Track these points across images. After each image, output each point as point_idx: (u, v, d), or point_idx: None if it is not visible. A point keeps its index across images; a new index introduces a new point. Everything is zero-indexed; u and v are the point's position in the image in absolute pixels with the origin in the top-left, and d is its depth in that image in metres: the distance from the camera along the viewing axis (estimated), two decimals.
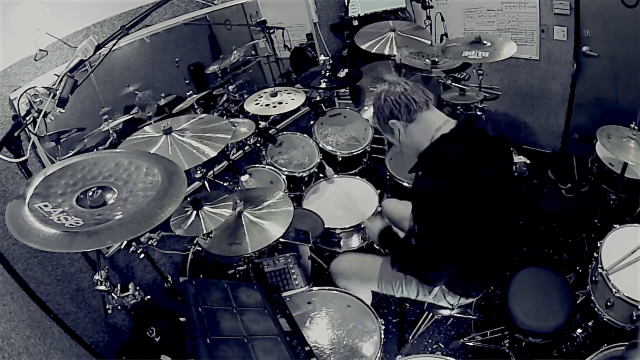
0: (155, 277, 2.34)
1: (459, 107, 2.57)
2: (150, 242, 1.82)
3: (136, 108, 2.31)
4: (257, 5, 2.94)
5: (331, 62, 2.52)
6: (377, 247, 1.78)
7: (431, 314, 2.00)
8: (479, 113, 2.54)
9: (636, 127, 2.00)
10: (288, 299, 1.67)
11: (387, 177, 2.53)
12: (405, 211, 2.01)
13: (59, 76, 1.40)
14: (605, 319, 1.71)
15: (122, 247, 2.12)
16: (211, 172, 2.15)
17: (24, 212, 1.05)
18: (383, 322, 1.62)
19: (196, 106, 2.39)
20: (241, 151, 2.68)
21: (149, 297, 1.63)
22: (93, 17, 2.03)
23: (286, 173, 2.50)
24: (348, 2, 3.13)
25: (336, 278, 1.87)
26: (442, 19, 2.92)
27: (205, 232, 1.67)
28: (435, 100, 1.51)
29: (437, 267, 1.49)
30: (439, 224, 1.41)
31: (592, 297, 1.77)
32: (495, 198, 1.44)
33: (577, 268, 2.30)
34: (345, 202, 2.35)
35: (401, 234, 2.19)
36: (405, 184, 2.38)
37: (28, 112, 1.44)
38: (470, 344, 2.06)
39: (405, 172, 2.42)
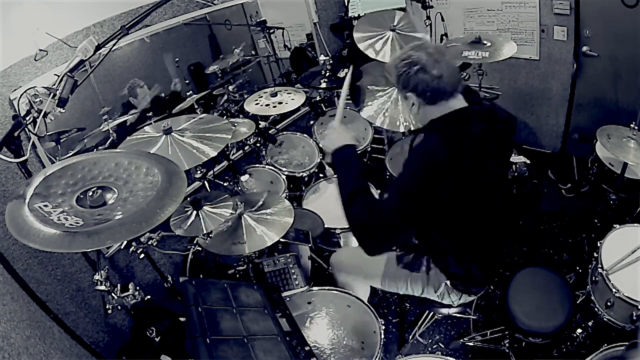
0: (155, 277, 2.34)
1: None
2: (150, 242, 1.82)
3: (130, 98, 2.30)
4: (257, 5, 2.94)
5: (331, 62, 2.52)
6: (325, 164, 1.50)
7: (431, 314, 2.01)
8: None
9: (636, 127, 2.00)
10: (288, 299, 1.66)
11: (387, 177, 2.53)
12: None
13: (59, 76, 1.40)
14: (605, 319, 1.71)
15: (122, 247, 2.12)
16: (211, 172, 2.15)
17: (24, 212, 1.05)
18: (383, 322, 1.61)
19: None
20: (241, 151, 2.68)
21: (149, 297, 1.63)
22: (93, 17, 2.03)
23: (286, 173, 2.50)
24: (348, 2, 3.13)
25: (336, 271, 1.85)
26: (442, 19, 2.92)
27: (205, 232, 1.67)
28: (462, 86, 1.39)
29: (391, 235, 1.31)
30: (426, 192, 1.28)
31: (592, 297, 1.77)
32: (494, 190, 1.43)
33: (577, 268, 2.30)
34: None
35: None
36: None
37: (28, 112, 1.44)
38: (470, 344, 2.06)
39: None
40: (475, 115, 1.35)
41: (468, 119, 1.34)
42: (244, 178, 2.06)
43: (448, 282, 1.62)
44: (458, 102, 1.37)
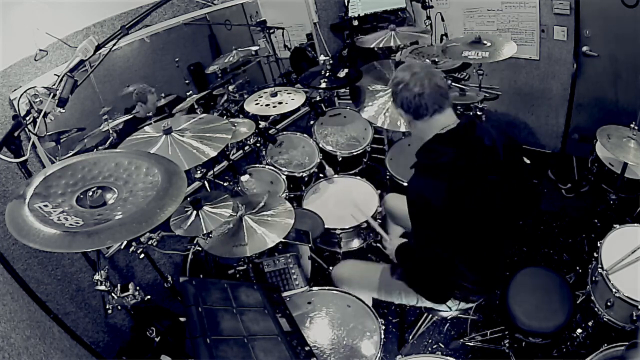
0: (155, 277, 2.34)
1: (459, 107, 2.57)
2: (150, 242, 1.82)
3: (138, 105, 2.30)
4: (257, 5, 2.94)
5: (331, 62, 2.52)
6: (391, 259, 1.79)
7: (431, 314, 2.01)
8: (479, 113, 2.55)
9: (636, 127, 2.00)
10: (288, 299, 1.67)
11: (387, 177, 2.53)
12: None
13: (59, 76, 1.40)
14: (605, 319, 1.71)
15: (122, 247, 2.12)
16: (211, 172, 2.15)
17: (24, 212, 1.05)
18: (383, 322, 1.62)
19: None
20: (241, 151, 2.68)
21: (149, 297, 1.63)
22: (93, 17, 2.03)
23: (286, 173, 2.50)
24: (348, 2, 3.13)
25: (338, 284, 1.87)
26: (442, 19, 2.92)
27: (205, 232, 1.67)
28: (450, 102, 1.44)
29: (435, 280, 1.50)
30: (427, 225, 1.41)
31: (592, 297, 1.77)
32: (487, 210, 1.40)
33: (577, 268, 2.30)
34: (345, 202, 2.35)
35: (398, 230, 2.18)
36: (405, 184, 2.38)
37: (28, 112, 1.44)
38: (470, 344, 2.06)
39: (405, 172, 2.42)
40: (443, 141, 1.40)
41: (436, 146, 1.41)
42: (244, 178, 2.05)
43: None
44: (444, 118, 1.42)
